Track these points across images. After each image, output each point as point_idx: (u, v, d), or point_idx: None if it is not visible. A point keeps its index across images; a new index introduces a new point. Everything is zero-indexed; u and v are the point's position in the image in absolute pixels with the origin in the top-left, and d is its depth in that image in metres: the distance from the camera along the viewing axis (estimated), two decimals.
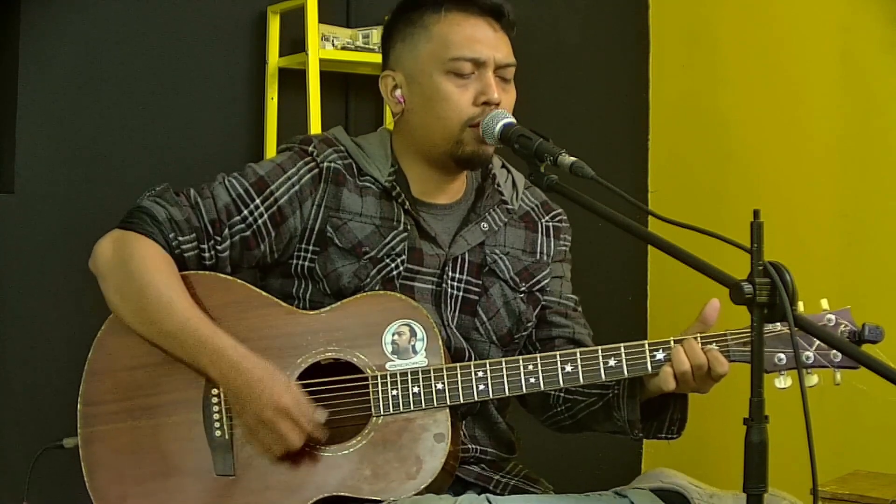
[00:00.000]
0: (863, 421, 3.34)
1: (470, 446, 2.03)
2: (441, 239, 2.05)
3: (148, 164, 2.88)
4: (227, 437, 1.89)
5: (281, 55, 3.07)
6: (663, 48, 3.91)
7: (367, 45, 3.10)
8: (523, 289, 2.10)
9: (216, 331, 1.89)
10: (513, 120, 1.98)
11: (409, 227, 2.02)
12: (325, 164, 2.02)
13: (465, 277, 2.05)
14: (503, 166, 2.16)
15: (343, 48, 3.08)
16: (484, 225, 2.08)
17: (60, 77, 2.77)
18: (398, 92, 2.05)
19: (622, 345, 1.88)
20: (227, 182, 2.00)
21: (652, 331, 3.91)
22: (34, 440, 2.12)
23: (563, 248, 2.19)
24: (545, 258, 2.14)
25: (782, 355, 1.84)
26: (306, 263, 2.01)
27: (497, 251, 2.08)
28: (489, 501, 1.78)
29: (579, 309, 2.18)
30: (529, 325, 2.11)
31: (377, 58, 3.14)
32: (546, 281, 2.13)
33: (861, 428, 3.34)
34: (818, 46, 3.49)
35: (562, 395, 2.06)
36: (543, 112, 3.57)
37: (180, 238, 1.94)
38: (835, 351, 1.81)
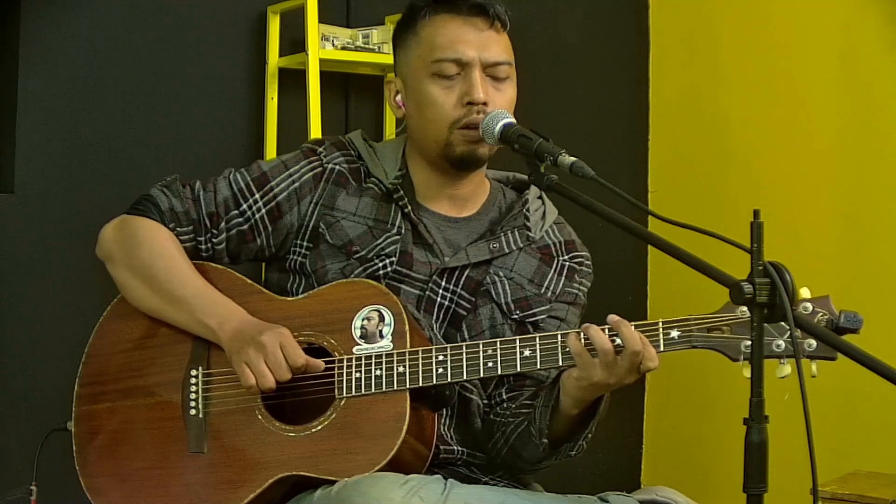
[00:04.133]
0: (863, 421, 3.34)
1: (455, 448, 2.03)
2: (440, 248, 2.05)
3: (148, 164, 2.88)
4: (200, 415, 1.96)
5: (281, 55, 3.06)
6: (663, 48, 3.90)
7: (367, 45, 3.10)
8: (515, 316, 2.07)
9: (217, 291, 1.99)
10: (513, 120, 1.98)
11: (402, 231, 2.04)
12: (330, 165, 2.07)
13: (458, 290, 2.05)
14: (539, 196, 2.16)
15: (343, 48, 3.08)
16: (494, 244, 2.07)
17: (60, 77, 2.76)
18: (398, 97, 2.08)
19: (583, 326, 1.84)
20: (231, 176, 2.08)
21: None
22: (37, 429, 2.15)
23: (575, 291, 2.15)
24: (549, 294, 2.11)
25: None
26: (299, 259, 2.05)
27: (500, 273, 2.07)
28: (445, 486, 1.77)
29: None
30: None
31: (377, 58, 3.15)
32: (542, 317, 2.09)
33: (861, 428, 3.34)
34: (818, 46, 3.49)
35: (500, 419, 2.04)
36: (543, 112, 3.57)
37: (178, 229, 2.04)
38: (809, 340, 1.76)
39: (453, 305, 2.04)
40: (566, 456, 1.98)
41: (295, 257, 2.06)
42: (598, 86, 3.84)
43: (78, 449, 2.00)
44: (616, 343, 1.80)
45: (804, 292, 1.82)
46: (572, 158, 1.83)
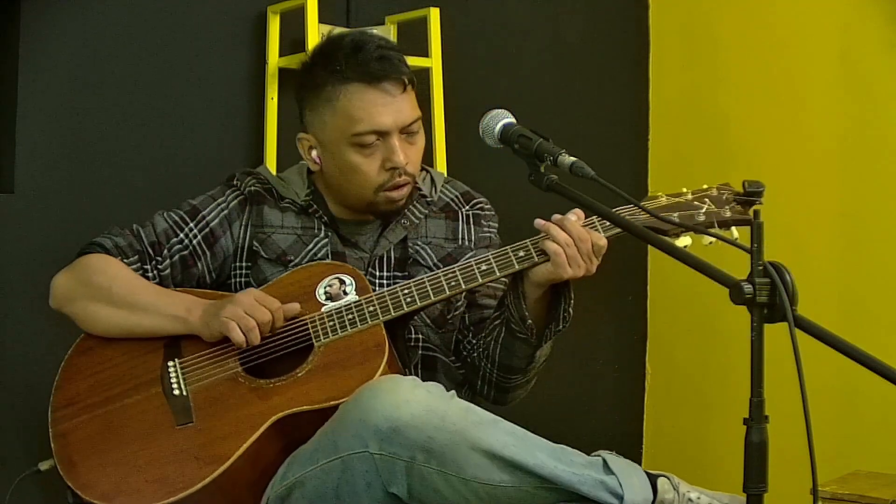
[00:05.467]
0: (863, 421, 3.34)
1: None
2: (363, 245, 2.20)
3: (148, 164, 2.88)
4: (184, 393, 2.02)
5: (281, 55, 3.06)
6: (663, 48, 3.90)
7: None
8: None
9: (176, 291, 2.15)
10: (512, 120, 1.99)
11: (329, 234, 2.18)
12: (247, 189, 2.22)
13: (391, 273, 2.19)
14: (422, 168, 2.28)
15: None
16: (404, 221, 2.22)
17: (60, 77, 2.76)
18: (314, 153, 2.20)
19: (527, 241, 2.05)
20: (165, 214, 2.23)
21: (652, 331, 3.91)
22: (30, 449, 2.15)
23: (488, 234, 2.30)
24: (467, 243, 2.26)
25: (675, 217, 2.06)
26: (243, 280, 2.19)
27: (420, 242, 2.22)
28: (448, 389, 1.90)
29: None
30: (459, 304, 2.24)
31: None
32: None
33: (861, 428, 3.34)
34: (818, 46, 3.49)
35: (479, 349, 2.18)
36: (543, 112, 3.57)
37: (125, 261, 2.16)
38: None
39: None
40: (555, 334, 2.12)
41: (238, 279, 2.20)
42: (598, 86, 3.84)
43: (60, 459, 2.00)
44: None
45: (683, 189, 2.10)
46: (572, 158, 1.84)
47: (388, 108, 2.10)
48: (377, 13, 3.23)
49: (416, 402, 1.80)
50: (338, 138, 2.13)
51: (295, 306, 2.05)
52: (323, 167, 2.19)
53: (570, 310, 2.10)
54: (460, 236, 2.26)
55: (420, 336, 2.19)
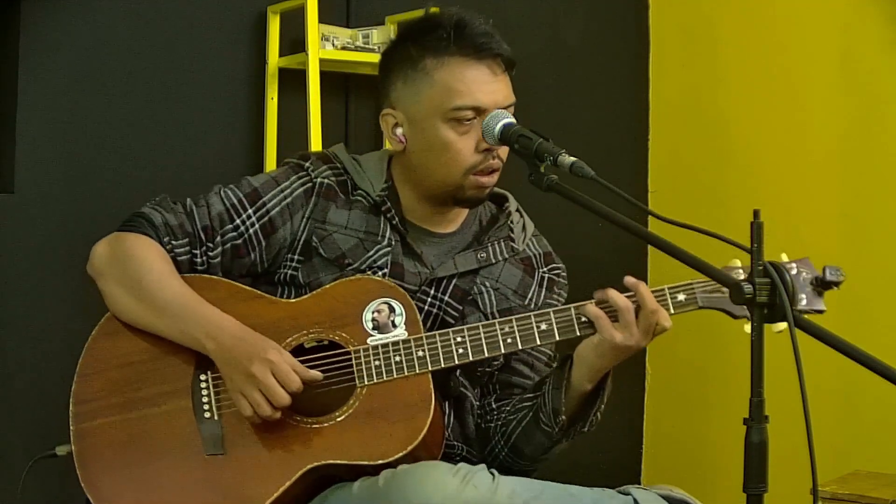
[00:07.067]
0: (863, 421, 3.34)
1: (455, 443, 2.06)
2: (426, 259, 2.08)
3: (148, 164, 2.88)
4: (216, 417, 1.93)
5: (281, 55, 3.06)
6: (663, 48, 3.90)
7: (367, 45, 3.10)
8: None
9: (208, 304, 1.97)
10: (513, 120, 1.98)
11: (393, 243, 2.06)
12: (319, 179, 2.08)
13: (446, 299, 2.07)
14: (518, 210, 2.19)
15: (343, 48, 3.08)
16: (482, 254, 2.10)
17: (60, 77, 2.76)
18: (399, 131, 2.06)
19: (601, 291, 1.92)
20: (222, 192, 2.08)
21: None
22: (30, 448, 2.12)
23: (554, 303, 2.18)
24: (532, 306, 2.13)
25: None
26: (290, 272, 2.06)
27: (487, 284, 2.11)
28: (492, 475, 1.80)
29: (552, 365, 2.15)
30: (495, 363, 2.12)
31: (377, 58, 3.11)
32: None
33: (861, 428, 3.34)
34: (818, 46, 3.49)
35: (497, 421, 2.08)
36: (543, 112, 3.57)
37: (174, 242, 2.02)
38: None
39: (441, 314, 2.06)
40: (577, 434, 2.02)
41: (285, 270, 2.07)
42: (598, 86, 3.84)
43: (81, 465, 1.93)
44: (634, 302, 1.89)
45: (784, 257, 1.91)
46: (572, 158, 1.83)
47: (490, 85, 2.01)
48: (377, 13, 3.23)
49: (465, 499, 1.74)
50: (433, 113, 2.01)
51: (317, 376, 1.91)
52: (408, 146, 2.05)
53: (599, 414, 2.01)
54: (529, 296, 2.14)
55: (457, 371, 2.09)
